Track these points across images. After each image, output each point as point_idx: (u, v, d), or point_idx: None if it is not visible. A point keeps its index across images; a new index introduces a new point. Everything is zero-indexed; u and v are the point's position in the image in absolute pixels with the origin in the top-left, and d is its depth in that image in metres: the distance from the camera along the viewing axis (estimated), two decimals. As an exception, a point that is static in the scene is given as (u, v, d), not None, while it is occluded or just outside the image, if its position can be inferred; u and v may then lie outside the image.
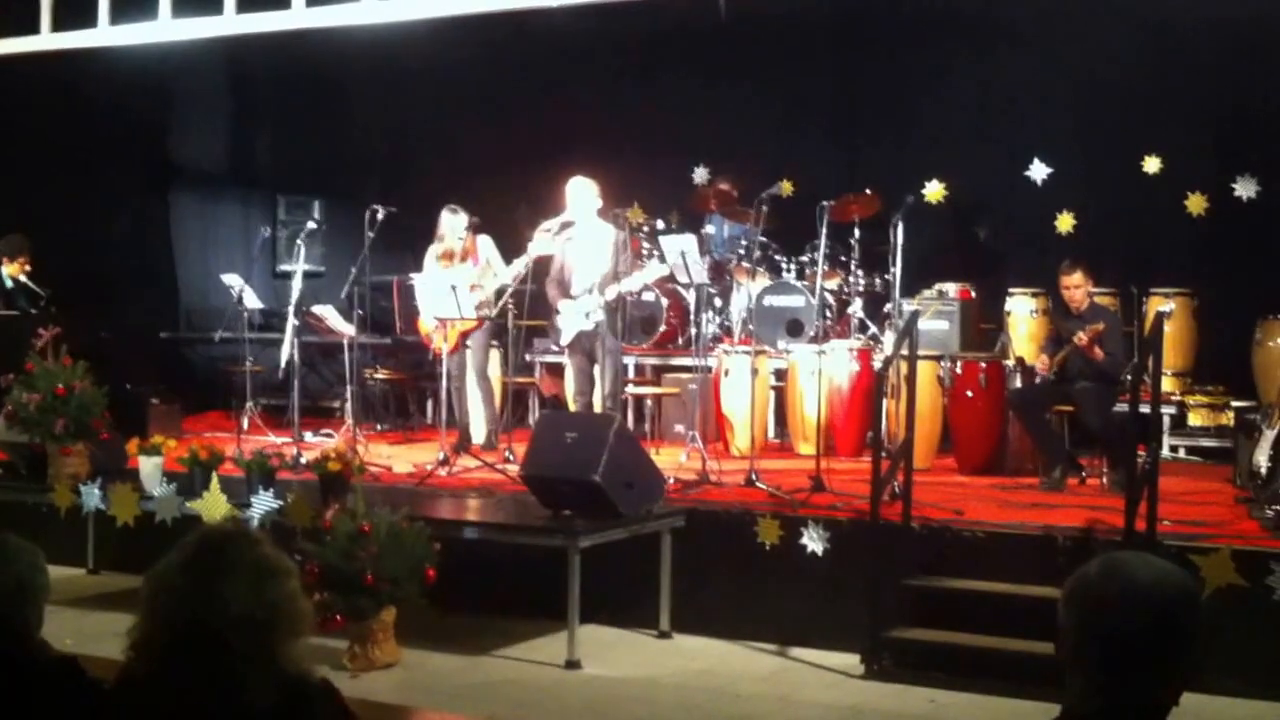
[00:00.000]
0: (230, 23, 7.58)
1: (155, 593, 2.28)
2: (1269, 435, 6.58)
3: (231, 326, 9.62)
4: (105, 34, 7.86)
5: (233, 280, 9.51)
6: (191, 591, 2.23)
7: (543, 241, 8.11)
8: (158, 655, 2.24)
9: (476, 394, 8.80)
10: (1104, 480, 7.51)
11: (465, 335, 8.49)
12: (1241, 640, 5.47)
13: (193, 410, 10.44)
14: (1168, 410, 8.60)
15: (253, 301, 9.55)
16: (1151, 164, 9.07)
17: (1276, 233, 8.78)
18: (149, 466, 6.99)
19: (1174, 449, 8.75)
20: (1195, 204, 8.85)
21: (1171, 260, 9.18)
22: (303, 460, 7.47)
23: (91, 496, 6.89)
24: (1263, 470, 6.54)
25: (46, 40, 8.02)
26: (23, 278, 9.59)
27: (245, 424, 9.25)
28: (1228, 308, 9.03)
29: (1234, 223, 8.80)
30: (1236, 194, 8.70)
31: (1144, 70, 9.34)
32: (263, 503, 6.51)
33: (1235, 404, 8.74)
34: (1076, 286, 7.73)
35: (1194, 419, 8.98)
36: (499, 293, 8.48)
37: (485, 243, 8.63)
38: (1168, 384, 8.66)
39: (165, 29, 7.81)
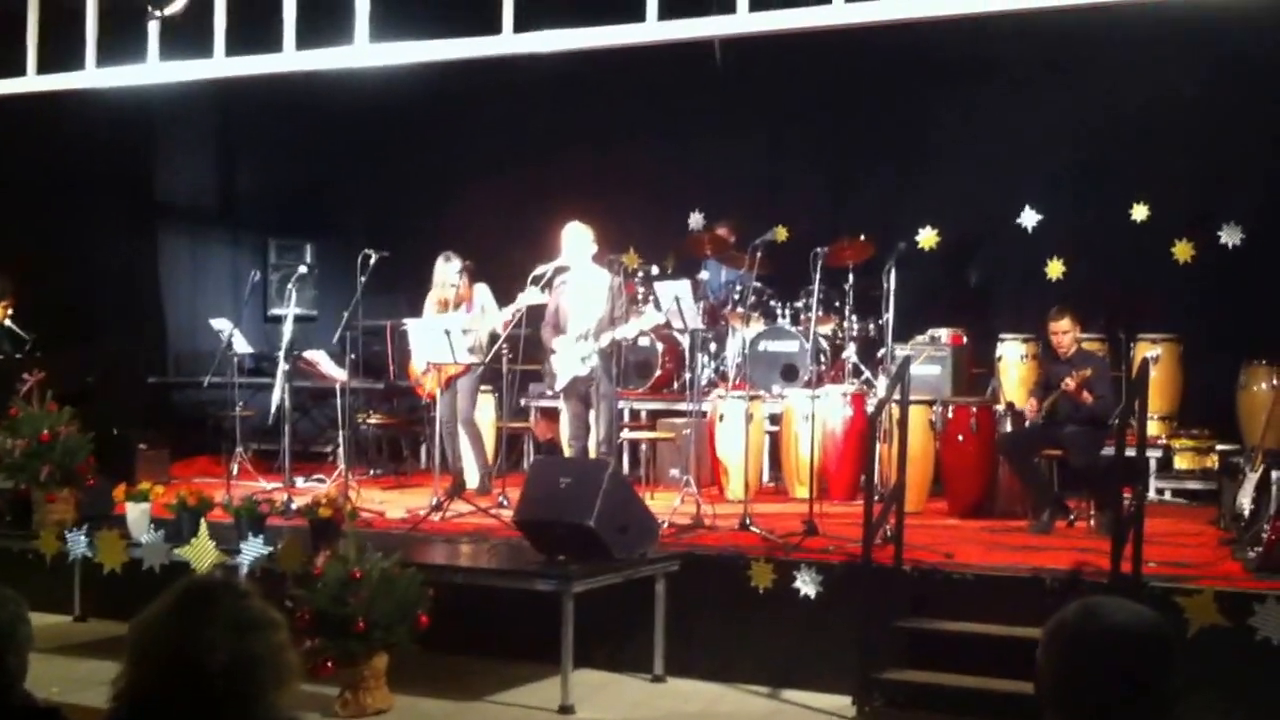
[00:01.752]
0: (220, 65, 7.59)
1: (140, 642, 2.26)
2: (1252, 478, 6.62)
3: (221, 371, 9.60)
4: (92, 76, 7.87)
5: (222, 324, 9.49)
6: (177, 641, 2.22)
7: (534, 291, 8.13)
8: (141, 705, 2.22)
9: (465, 439, 8.79)
10: (1092, 522, 7.54)
11: (452, 379, 8.49)
12: (1224, 680, 5.49)
13: (181, 456, 10.38)
14: (1154, 453, 8.66)
15: (242, 346, 9.53)
16: (1139, 212, 9.18)
17: (1260, 279, 8.87)
18: (136, 513, 6.95)
19: (1160, 491, 8.80)
20: (1182, 251, 8.95)
21: (1159, 306, 9.24)
22: (294, 506, 7.44)
23: (78, 543, 6.84)
24: (1246, 512, 6.58)
25: (33, 82, 8.03)
26: (7, 321, 9.54)
27: (235, 469, 9.21)
28: (1213, 353, 9.10)
29: (1219, 269, 8.90)
30: (1222, 241, 8.80)
31: (1132, 119, 9.45)
32: (252, 549, 6.48)
33: (1220, 447, 8.79)
34: (1065, 332, 7.81)
35: (1180, 462, 9.03)
36: (491, 338, 8.49)
37: (482, 290, 8.66)
38: (1154, 428, 8.71)
39: (154, 71, 7.82)
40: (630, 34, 6.42)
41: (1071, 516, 7.73)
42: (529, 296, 8.15)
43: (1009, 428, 8.33)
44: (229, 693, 2.17)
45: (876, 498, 6.54)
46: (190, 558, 6.43)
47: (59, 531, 6.92)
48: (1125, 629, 2.10)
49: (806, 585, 6.33)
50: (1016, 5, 5.89)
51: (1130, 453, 6.35)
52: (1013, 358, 9.29)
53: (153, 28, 7.48)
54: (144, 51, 7.74)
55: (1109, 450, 7.45)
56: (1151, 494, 8.45)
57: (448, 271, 8.60)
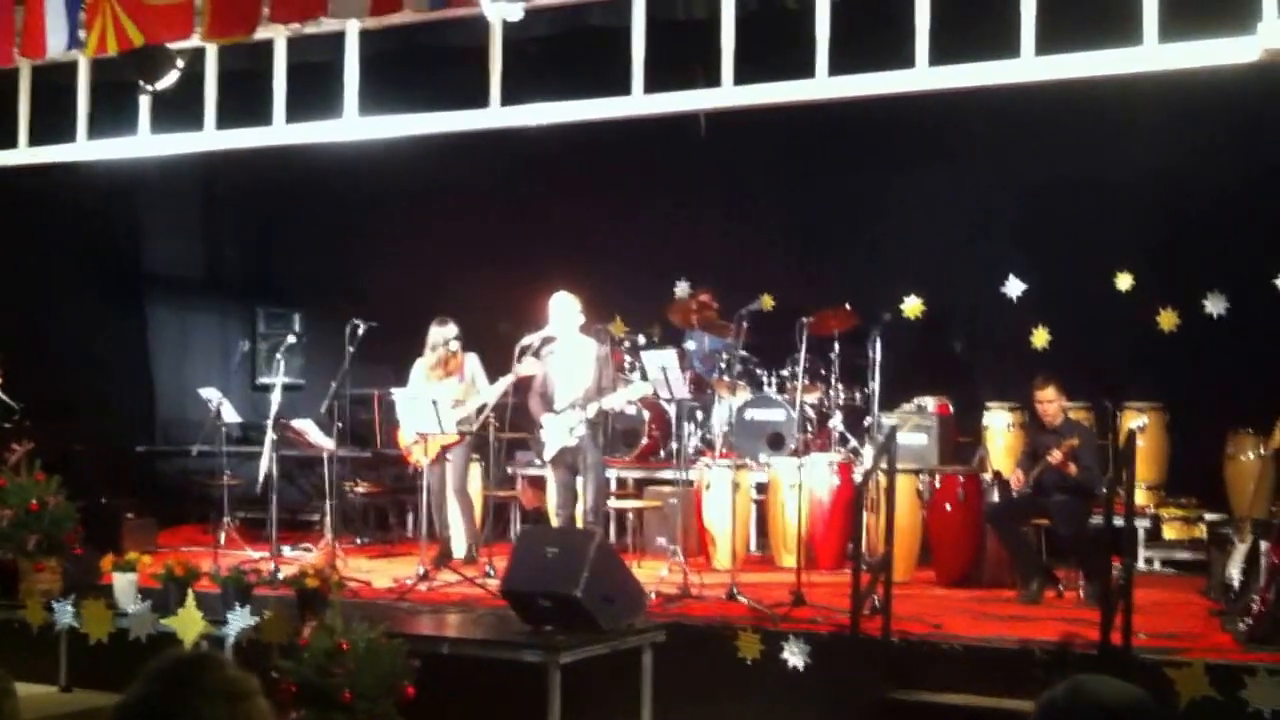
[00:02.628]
0: (210, 139, 7.68)
1: None
2: (1241, 548, 6.63)
3: (209, 440, 9.59)
4: (83, 149, 7.94)
5: (210, 394, 9.50)
6: (169, 716, 2.21)
7: (527, 363, 8.16)
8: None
9: (455, 508, 8.77)
10: (1080, 593, 7.53)
11: (445, 449, 8.49)
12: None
13: (168, 524, 10.33)
14: (1142, 523, 8.66)
15: (230, 415, 9.53)
16: (1124, 281, 9.26)
17: (1245, 348, 8.93)
18: (123, 583, 6.90)
19: (1148, 561, 8.79)
20: (1166, 320, 9.02)
21: (1144, 375, 9.30)
22: (280, 576, 7.40)
23: (64, 613, 6.78)
24: (1235, 583, 6.58)
25: (25, 154, 8.10)
26: (-5, 390, 9.56)
27: (222, 538, 9.16)
28: (1199, 421, 9.14)
29: (1204, 338, 8.95)
30: (1206, 310, 8.87)
31: (1116, 189, 9.57)
32: (239, 619, 6.42)
33: (1208, 517, 8.81)
34: (1050, 401, 7.86)
35: (1168, 532, 9.04)
36: (479, 410, 8.50)
37: (471, 360, 8.69)
38: (1141, 497, 8.72)
39: (144, 144, 7.90)
40: (617, 107, 6.52)
41: (1060, 586, 7.72)
42: (525, 367, 8.17)
43: (996, 497, 8.34)
44: None
45: (864, 567, 6.53)
46: (177, 628, 6.37)
47: (45, 601, 6.86)
48: (1114, 709, 2.11)
49: (794, 656, 6.30)
50: (1000, 80, 6.00)
51: (1118, 522, 6.36)
52: (999, 426, 9.32)
53: (143, 101, 7.56)
54: (134, 124, 7.83)
55: (1097, 519, 7.46)
56: (1140, 564, 8.45)
57: (444, 334, 8.62)
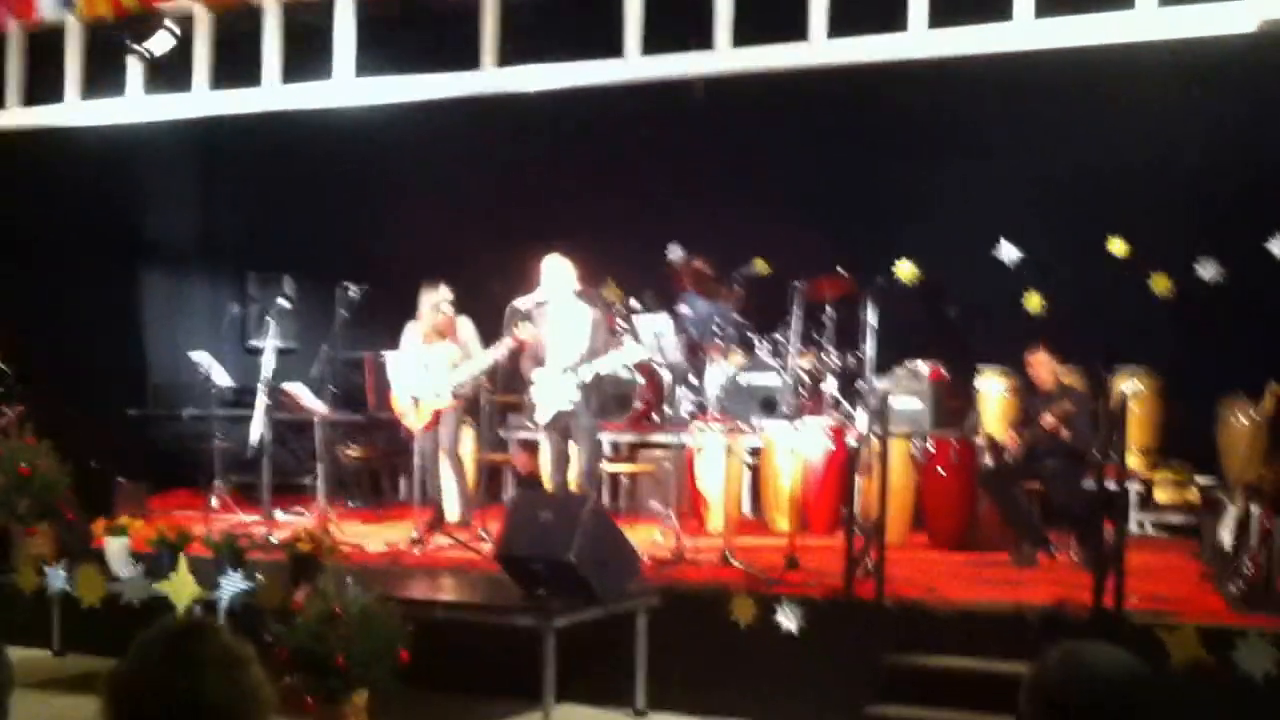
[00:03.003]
0: (202, 102, 7.62)
1: (123, 692, 2.24)
2: (1233, 512, 6.66)
3: (201, 404, 9.57)
4: (75, 111, 7.88)
5: (201, 357, 9.46)
6: (164, 687, 2.20)
7: (525, 328, 8.13)
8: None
9: (448, 472, 8.77)
10: (1073, 557, 7.56)
11: (439, 414, 8.48)
12: (1208, 717, 5.48)
13: (160, 489, 10.32)
14: (1134, 487, 8.70)
15: (222, 379, 9.51)
16: (1117, 246, 9.25)
17: (1238, 312, 8.95)
18: (116, 547, 6.91)
19: (1140, 525, 8.83)
20: (1159, 284, 9.02)
21: (1137, 339, 9.31)
22: (273, 540, 7.40)
23: (57, 578, 6.79)
24: (1227, 547, 6.61)
25: (15, 116, 8.03)
26: (-13, 355, 9.52)
27: (215, 502, 9.16)
28: (1192, 386, 9.16)
29: (1197, 303, 8.96)
30: (1200, 275, 8.88)
31: (1109, 154, 9.54)
32: (232, 584, 6.44)
33: (1200, 480, 8.84)
34: (1043, 365, 7.88)
35: (1160, 496, 9.08)
36: (473, 375, 8.48)
37: (465, 324, 8.65)
38: (1134, 461, 8.75)
39: (136, 107, 7.84)
40: (612, 71, 6.48)
41: (1053, 550, 7.75)
42: (523, 332, 8.14)
43: (989, 461, 8.36)
44: None
45: (857, 531, 6.55)
46: (170, 593, 6.39)
47: (38, 566, 6.88)
48: (1107, 676, 2.13)
49: (788, 620, 6.33)
50: (996, 47, 5.97)
51: (1110, 486, 6.38)
52: (992, 391, 9.34)
53: (135, 64, 7.50)
54: (125, 88, 7.77)
55: (1089, 483, 7.49)
56: (1132, 527, 8.48)
57: (435, 298, 8.57)
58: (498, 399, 8.94)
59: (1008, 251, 9.15)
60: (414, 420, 8.39)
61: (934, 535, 8.33)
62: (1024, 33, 5.86)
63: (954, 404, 9.45)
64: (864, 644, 6.19)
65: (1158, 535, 8.80)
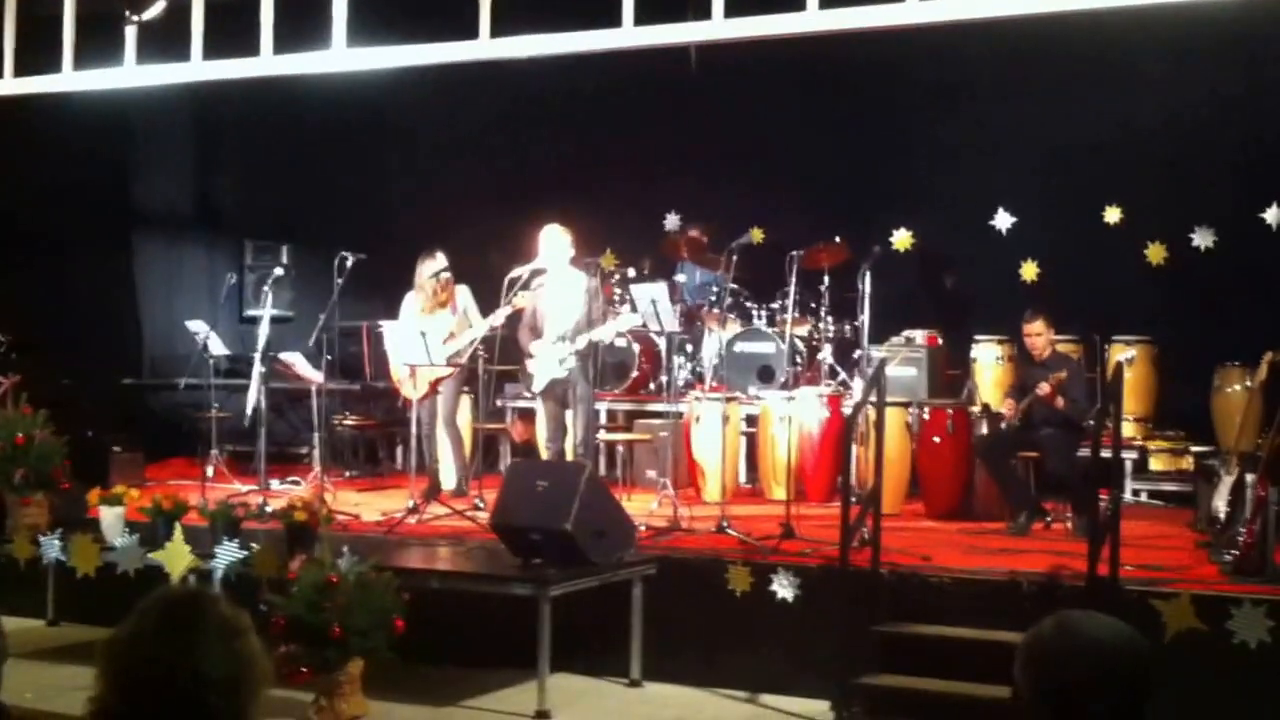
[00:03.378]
0: (197, 69, 7.54)
1: (119, 658, 2.24)
2: (1227, 481, 6.67)
3: (196, 373, 9.55)
4: (69, 79, 7.81)
5: (198, 326, 9.44)
6: (160, 656, 2.20)
7: (521, 295, 8.11)
8: (123, 717, 2.21)
9: (445, 441, 8.77)
10: (1069, 525, 7.58)
11: (437, 383, 8.47)
12: (1201, 684, 5.52)
13: (156, 458, 10.32)
14: (1129, 455, 8.70)
15: (218, 348, 9.49)
16: (1112, 214, 9.23)
17: (1233, 281, 8.94)
18: (110, 517, 6.91)
19: (1136, 493, 8.85)
20: (1155, 253, 9.00)
21: (1132, 308, 9.31)
22: (269, 509, 7.41)
23: (51, 548, 6.79)
24: (1222, 515, 6.63)
25: (8, 85, 7.96)
26: (-20, 324, 9.50)
27: (210, 472, 9.17)
28: (1187, 355, 9.17)
29: (1193, 272, 8.95)
30: (1195, 244, 8.86)
31: (1105, 122, 9.51)
32: (227, 553, 6.44)
33: (1195, 449, 8.86)
34: (1038, 334, 7.87)
35: (1155, 464, 9.10)
36: (471, 343, 8.47)
37: (463, 292, 8.63)
38: (1129, 430, 8.76)
39: (131, 75, 7.77)
40: (607, 39, 6.41)
41: (1048, 518, 7.77)
42: (519, 300, 8.13)
43: (985, 430, 8.37)
44: (213, 701, 2.17)
45: (853, 500, 6.56)
46: (165, 562, 6.39)
47: (33, 536, 6.87)
48: (1101, 644, 2.14)
49: (784, 589, 6.34)
50: (994, 13, 5.91)
51: (1106, 455, 6.39)
52: (988, 360, 9.34)
53: (130, 32, 7.43)
54: (121, 56, 7.70)
55: (1085, 452, 7.50)
56: (1127, 496, 8.50)
57: (431, 267, 8.55)
58: (495, 368, 8.93)
59: (1003, 220, 9.11)
60: (411, 389, 8.38)
61: (930, 504, 8.35)
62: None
63: (950, 373, 9.46)
64: (860, 613, 6.20)
65: (1153, 504, 8.82)
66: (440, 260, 8.56)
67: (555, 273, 8.12)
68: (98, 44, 7.74)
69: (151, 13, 7.10)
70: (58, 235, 11.06)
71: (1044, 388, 7.62)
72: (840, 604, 6.20)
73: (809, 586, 6.35)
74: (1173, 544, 7.16)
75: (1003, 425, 8.02)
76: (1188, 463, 8.93)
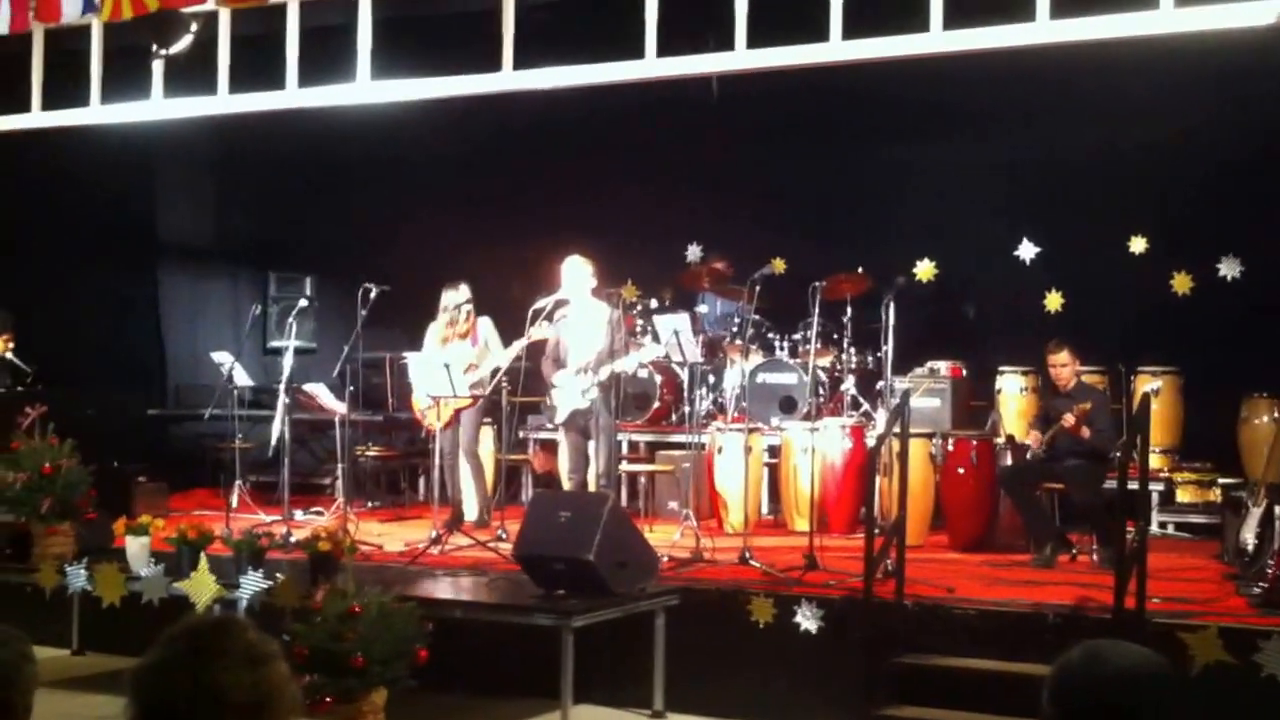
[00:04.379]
0: (223, 102, 7.64)
1: (146, 685, 2.24)
2: (1255, 512, 6.61)
3: (221, 404, 9.61)
4: (97, 112, 7.91)
5: (222, 358, 9.50)
6: (187, 683, 2.21)
7: (540, 326, 8.14)
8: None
9: (467, 471, 8.78)
10: (1094, 557, 7.52)
11: (459, 413, 8.49)
12: (1230, 718, 5.45)
13: (180, 488, 10.37)
14: (1156, 487, 8.64)
15: (243, 379, 9.54)
16: (1138, 244, 9.20)
17: (1260, 311, 8.89)
18: (136, 546, 6.93)
19: (1162, 525, 8.78)
20: (1181, 283, 8.96)
21: (1158, 339, 9.26)
22: (292, 539, 7.42)
23: (77, 577, 6.82)
24: (1249, 547, 6.57)
25: (37, 118, 8.07)
26: (8, 354, 9.56)
27: (234, 502, 9.20)
28: (1214, 385, 9.10)
29: (1219, 302, 8.91)
30: (1221, 274, 8.82)
31: (1130, 152, 9.49)
32: (251, 583, 6.45)
33: (1222, 481, 8.78)
34: (1064, 365, 7.82)
35: (1182, 496, 9.02)
36: (493, 373, 8.49)
37: (484, 324, 8.66)
38: (1155, 461, 8.70)
39: (158, 108, 7.87)
40: (629, 70, 6.46)
41: (1074, 550, 7.71)
42: (538, 331, 8.15)
43: (1009, 461, 8.32)
44: None
45: (877, 531, 6.53)
46: (190, 592, 6.41)
47: (58, 565, 6.90)
48: (1130, 674, 2.12)
49: (807, 620, 6.31)
50: (1014, 43, 5.93)
51: (1132, 486, 6.34)
52: (1012, 390, 9.29)
53: (157, 66, 7.52)
54: (148, 89, 7.80)
55: (1110, 484, 7.45)
56: (1154, 528, 8.43)
57: (455, 298, 8.59)
58: (518, 399, 8.96)
59: (1027, 250, 9.09)
60: (434, 420, 8.40)
61: (954, 536, 8.30)
62: (1042, 30, 5.81)
63: (973, 404, 9.42)
64: (883, 645, 6.16)
65: (1179, 536, 8.74)
66: (463, 291, 8.60)
67: (577, 304, 8.14)
68: (124, 78, 7.84)
69: (178, 47, 7.19)
70: (85, 267, 11.16)
71: (1069, 419, 7.58)
72: (864, 636, 6.16)
73: (832, 618, 6.32)
74: (1200, 576, 7.09)
75: (1028, 456, 7.97)
76: (1215, 494, 8.84)
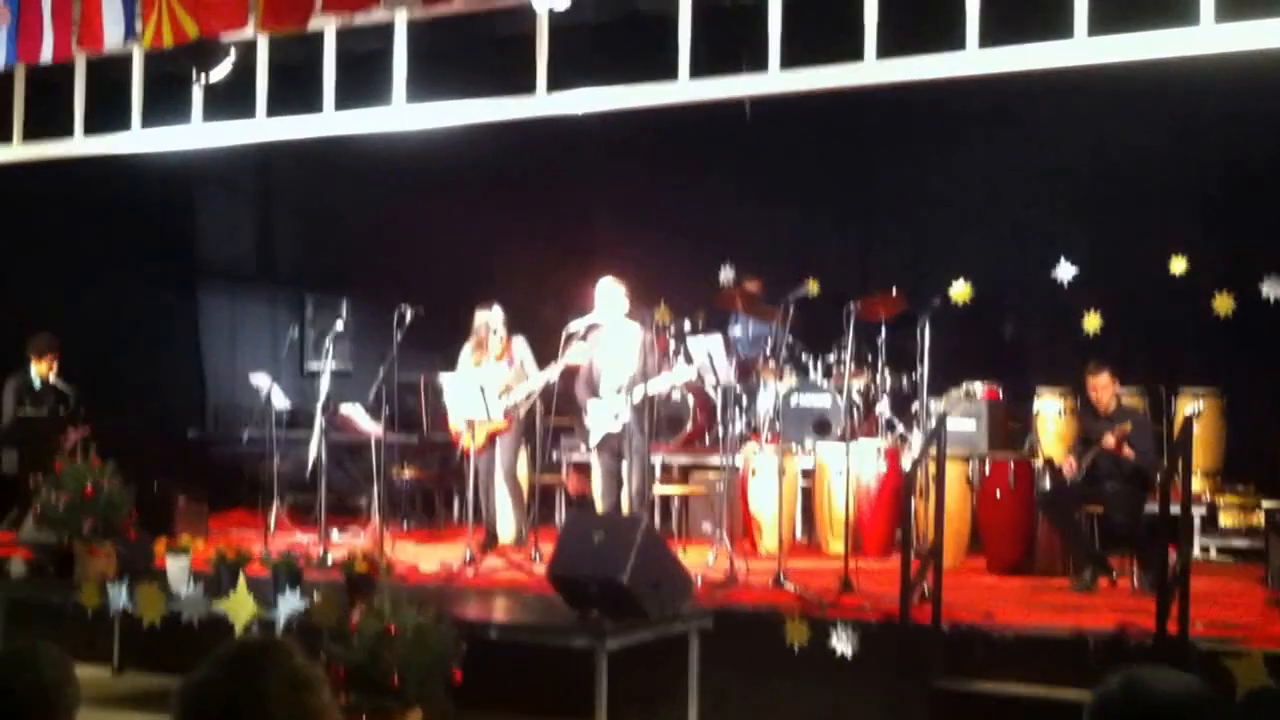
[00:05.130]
0: (261, 127, 7.75)
1: (191, 704, 2.26)
2: (1300, 536, 6.52)
3: (259, 425, 9.68)
4: (138, 138, 8.04)
5: (260, 379, 9.58)
6: (236, 701, 2.22)
7: (578, 349, 8.16)
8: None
9: (504, 493, 8.79)
10: (1135, 581, 7.43)
11: (494, 435, 8.51)
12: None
13: (219, 509, 10.45)
14: (1198, 510, 8.52)
15: (280, 400, 9.62)
16: (1178, 264, 9.11)
17: (1303, 332, 8.78)
18: (176, 567, 6.99)
19: (1205, 549, 8.66)
20: (1222, 304, 8.87)
21: (1199, 360, 9.16)
22: (329, 560, 7.46)
23: (118, 596, 6.88)
24: (1294, 571, 6.47)
25: (80, 144, 8.20)
26: (51, 377, 9.69)
27: (272, 522, 9.26)
28: (1256, 407, 8.99)
29: (1261, 322, 8.80)
30: (1264, 295, 8.72)
31: (1170, 171, 9.42)
32: (289, 603, 6.48)
33: (1266, 504, 8.65)
34: (1103, 387, 7.76)
35: (1224, 519, 8.89)
36: (527, 395, 8.51)
37: (520, 344, 8.69)
38: (1197, 484, 8.58)
39: (197, 133, 7.98)
40: (662, 94, 6.49)
41: (1114, 574, 7.62)
42: (574, 354, 8.16)
43: (1048, 484, 8.25)
44: None
45: (913, 554, 6.48)
46: (229, 612, 6.45)
47: (100, 584, 6.96)
48: (1172, 702, 2.08)
49: (842, 644, 6.26)
50: (1052, 63, 5.91)
51: (1174, 509, 6.27)
52: (1050, 412, 9.21)
53: (196, 92, 7.63)
54: (188, 115, 7.91)
55: (1151, 507, 7.37)
56: (1196, 552, 8.31)
57: (489, 319, 8.62)
58: (551, 421, 8.97)
59: (1065, 271, 9.02)
60: (469, 441, 8.43)
61: (991, 559, 8.23)
62: (1080, 49, 5.80)
63: (1011, 425, 9.34)
64: (920, 668, 6.11)
65: (1222, 560, 8.62)
66: (496, 312, 8.63)
67: (610, 326, 8.16)
68: (165, 104, 7.95)
69: (218, 73, 7.29)
70: (126, 290, 11.30)
71: (1109, 440, 7.50)
72: (900, 660, 6.11)
73: (868, 642, 6.27)
74: (1244, 601, 7.00)
75: (1066, 478, 7.90)
76: (1258, 518, 8.71)
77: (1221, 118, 9.00)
